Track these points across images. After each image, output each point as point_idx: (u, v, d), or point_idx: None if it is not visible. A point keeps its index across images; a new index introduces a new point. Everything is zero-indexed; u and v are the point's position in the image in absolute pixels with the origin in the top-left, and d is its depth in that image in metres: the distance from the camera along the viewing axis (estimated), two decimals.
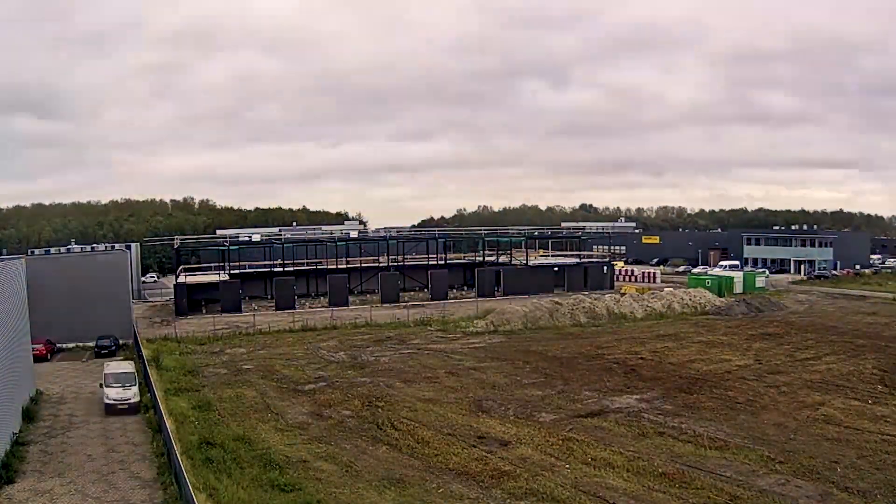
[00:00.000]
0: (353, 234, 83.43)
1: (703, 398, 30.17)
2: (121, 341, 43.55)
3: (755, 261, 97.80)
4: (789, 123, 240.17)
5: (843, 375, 34.12)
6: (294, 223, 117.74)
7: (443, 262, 74.94)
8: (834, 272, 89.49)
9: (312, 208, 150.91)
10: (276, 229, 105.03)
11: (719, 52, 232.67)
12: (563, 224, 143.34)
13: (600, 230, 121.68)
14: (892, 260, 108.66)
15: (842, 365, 36.53)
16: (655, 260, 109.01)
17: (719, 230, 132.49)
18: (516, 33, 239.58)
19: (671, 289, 65.93)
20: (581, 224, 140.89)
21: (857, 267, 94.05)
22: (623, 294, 63.15)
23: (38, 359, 37.48)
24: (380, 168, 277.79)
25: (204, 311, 59.80)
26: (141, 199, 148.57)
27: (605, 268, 76.01)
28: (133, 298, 52.46)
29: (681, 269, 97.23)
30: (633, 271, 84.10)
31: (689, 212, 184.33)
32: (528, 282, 69.43)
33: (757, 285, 71.64)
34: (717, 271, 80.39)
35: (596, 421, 27.08)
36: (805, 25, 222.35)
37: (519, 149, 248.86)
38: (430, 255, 77.22)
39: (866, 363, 36.74)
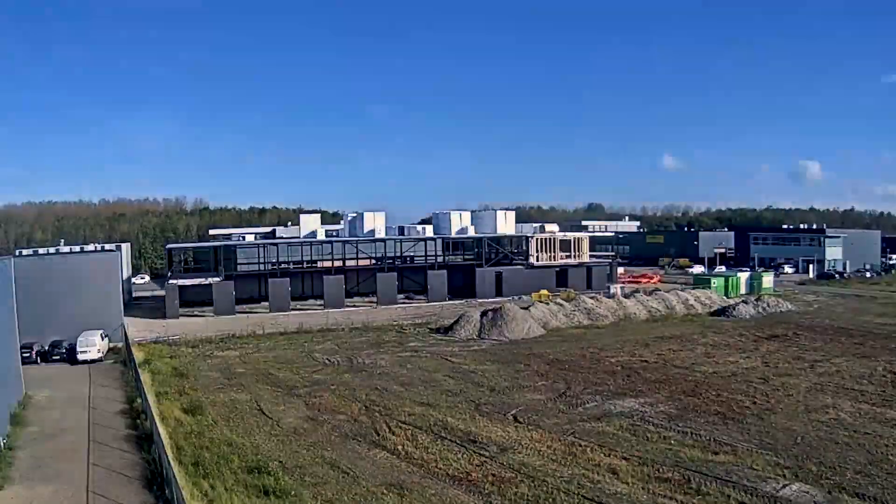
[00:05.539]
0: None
1: (709, 401, 29.54)
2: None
3: (762, 261, 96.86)
4: None
5: (853, 378, 33.48)
6: (289, 223, 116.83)
7: (442, 262, 74.26)
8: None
9: (308, 208, 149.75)
10: (270, 229, 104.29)
11: None
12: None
13: (604, 230, 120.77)
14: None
15: (851, 367, 35.87)
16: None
17: (726, 229, 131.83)
18: None
19: (677, 289, 65.26)
20: (585, 223, 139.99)
21: (868, 266, 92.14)
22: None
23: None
24: None
25: (196, 313, 59.08)
26: (133, 199, 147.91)
27: (609, 268, 75.45)
28: (123, 300, 51.67)
29: (688, 270, 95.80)
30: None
31: (694, 210, 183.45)
32: (529, 283, 68.83)
33: (764, 286, 71.14)
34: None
35: (599, 425, 26.44)
36: None
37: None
38: (429, 256, 76.55)
39: (877, 365, 36.11)
